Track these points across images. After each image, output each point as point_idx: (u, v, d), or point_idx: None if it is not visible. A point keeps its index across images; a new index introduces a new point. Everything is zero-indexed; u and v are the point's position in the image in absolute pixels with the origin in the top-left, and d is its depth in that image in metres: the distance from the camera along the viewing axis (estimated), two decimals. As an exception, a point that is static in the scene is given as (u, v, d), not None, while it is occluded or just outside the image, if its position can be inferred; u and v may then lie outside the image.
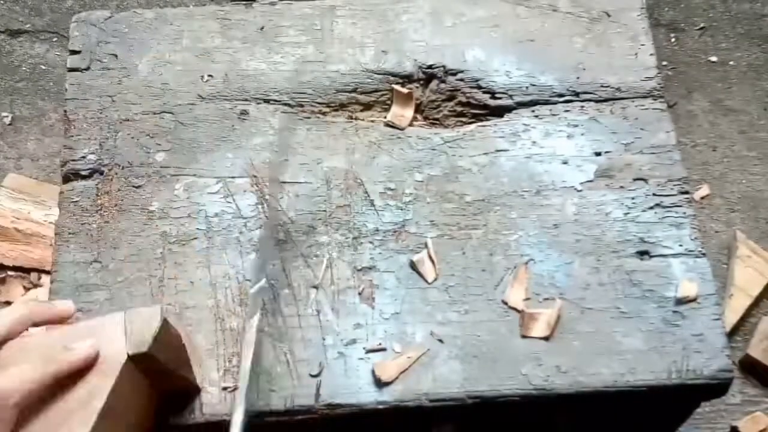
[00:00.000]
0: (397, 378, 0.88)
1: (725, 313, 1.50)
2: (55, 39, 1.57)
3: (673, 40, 1.82)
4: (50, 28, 1.59)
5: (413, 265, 0.94)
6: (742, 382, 1.48)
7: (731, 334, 1.50)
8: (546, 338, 0.89)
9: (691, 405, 0.98)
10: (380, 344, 0.90)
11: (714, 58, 1.81)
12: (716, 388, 0.90)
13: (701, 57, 1.81)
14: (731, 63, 1.80)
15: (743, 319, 1.52)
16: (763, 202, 1.65)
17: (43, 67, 1.57)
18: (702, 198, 1.65)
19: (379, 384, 0.88)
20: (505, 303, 0.92)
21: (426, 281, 0.93)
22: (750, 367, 1.47)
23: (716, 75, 1.79)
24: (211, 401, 0.87)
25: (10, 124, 1.51)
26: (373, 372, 0.88)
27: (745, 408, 1.44)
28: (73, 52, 1.08)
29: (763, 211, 1.65)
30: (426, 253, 0.94)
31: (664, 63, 1.78)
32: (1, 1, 1.60)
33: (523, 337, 0.90)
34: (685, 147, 1.68)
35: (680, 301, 0.91)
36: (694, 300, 0.92)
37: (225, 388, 0.88)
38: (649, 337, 0.90)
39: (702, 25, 1.84)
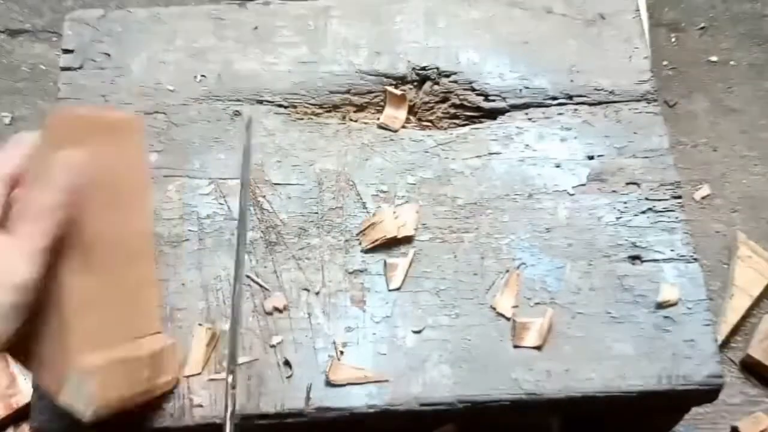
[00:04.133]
0: (342, 381, 0.88)
1: (726, 313, 1.50)
2: (54, 39, 1.57)
3: (673, 40, 1.81)
4: (50, 27, 1.59)
5: (385, 267, 0.94)
6: (742, 382, 1.47)
7: (732, 334, 1.49)
8: (538, 348, 0.89)
9: (681, 410, 0.98)
10: (342, 351, 0.90)
11: (715, 58, 1.80)
12: (706, 394, 0.90)
13: (702, 57, 1.80)
14: (732, 63, 1.80)
15: (744, 319, 1.51)
16: (763, 202, 1.65)
17: (43, 67, 1.56)
18: (702, 198, 1.65)
19: (328, 382, 0.88)
20: (494, 309, 0.91)
21: (387, 286, 0.93)
22: (750, 367, 1.47)
23: (717, 75, 1.78)
24: (201, 404, 0.87)
25: (9, 124, 1.52)
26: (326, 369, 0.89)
27: (745, 408, 1.44)
28: (66, 51, 1.08)
29: (764, 211, 1.64)
30: (404, 260, 0.94)
31: (665, 63, 1.77)
32: (1, 1, 1.60)
33: (516, 347, 0.90)
34: (686, 147, 1.68)
35: (661, 305, 0.91)
36: (675, 304, 0.92)
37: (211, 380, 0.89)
38: (639, 342, 0.90)
39: (702, 24, 1.83)
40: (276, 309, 0.92)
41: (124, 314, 0.83)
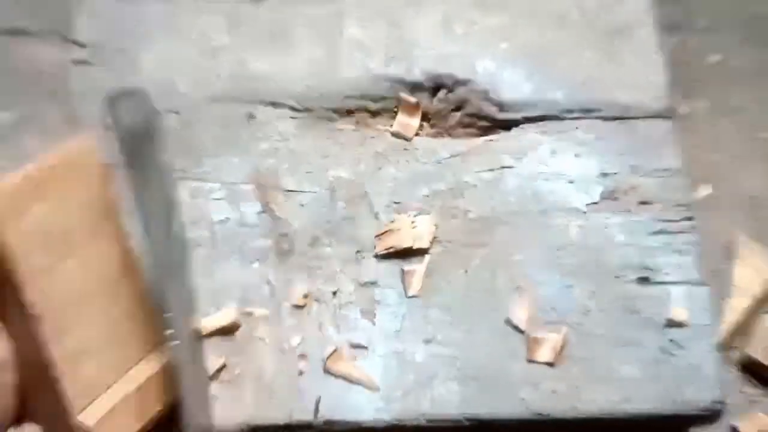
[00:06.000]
0: (337, 372, 0.89)
1: (726, 313, 1.51)
2: (55, 39, 1.54)
3: (673, 40, 1.81)
4: (50, 28, 1.55)
5: (402, 274, 0.95)
6: (742, 382, 1.49)
7: (732, 334, 1.50)
8: (550, 364, 0.90)
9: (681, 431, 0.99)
10: (360, 343, 0.92)
11: (715, 58, 1.79)
12: (708, 419, 0.91)
13: (702, 57, 1.79)
14: (732, 63, 1.79)
15: (744, 319, 1.52)
16: (763, 202, 1.65)
17: (43, 67, 1.54)
18: (702, 198, 1.65)
19: (325, 369, 0.90)
20: (509, 322, 0.92)
21: (406, 293, 0.94)
22: (750, 367, 1.48)
23: (717, 75, 1.77)
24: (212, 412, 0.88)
25: (10, 124, 1.49)
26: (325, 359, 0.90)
27: (745, 408, 1.46)
28: (78, 45, 1.07)
29: (764, 211, 1.64)
30: (421, 266, 0.95)
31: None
32: (1, 1, 1.56)
33: (529, 361, 0.90)
34: (686, 147, 1.68)
35: (670, 323, 0.92)
36: (682, 326, 0.93)
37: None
38: (646, 365, 0.91)
39: (702, 24, 1.82)
40: (305, 296, 0.93)
41: (117, 346, 0.82)
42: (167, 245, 0.80)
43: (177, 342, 0.80)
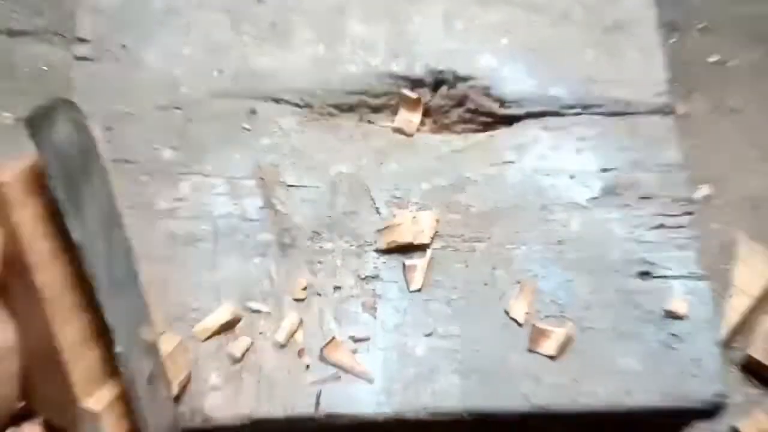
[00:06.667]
0: (334, 361, 0.90)
1: (726, 313, 1.51)
2: (55, 39, 1.55)
3: (673, 40, 1.81)
4: (51, 28, 1.56)
5: (403, 268, 0.95)
6: (742, 382, 1.49)
7: (732, 334, 1.50)
8: (552, 357, 0.90)
9: (683, 425, 0.99)
10: (361, 336, 0.92)
11: (714, 58, 1.80)
12: (709, 413, 0.91)
13: (701, 57, 1.80)
14: (732, 63, 1.80)
15: (744, 319, 1.53)
16: (763, 202, 1.66)
17: (44, 68, 1.54)
18: (702, 198, 1.66)
19: (321, 357, 0.90)
20: (509, 316, 0.92)
21: (407, 287, 0.94)
22: (751, 368, 1.49)
23: (716, 75, 1.78)
24: (214, 405, 0.88)
25: (12, 125, 1.50)
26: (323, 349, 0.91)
27: (745, 408, 1.45)
28: (81, 41, 1.06)
29: (764, 211, 1.65)
30: (422, 261, 0.95)
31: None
32: (1, 1, 1.57)
33: (530, 351, 0.91)
34: (686, 147, 1.68)
35: (669, 314, 0.93)
36: (682, 318, 0.93)
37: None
38: (646, 359, 0.91)
39: (703, 24, 1.83)
40: (303, 289, 0.93)
41: None
42: (111, 259, 0.77)
43: (126, 358, 0.78)
